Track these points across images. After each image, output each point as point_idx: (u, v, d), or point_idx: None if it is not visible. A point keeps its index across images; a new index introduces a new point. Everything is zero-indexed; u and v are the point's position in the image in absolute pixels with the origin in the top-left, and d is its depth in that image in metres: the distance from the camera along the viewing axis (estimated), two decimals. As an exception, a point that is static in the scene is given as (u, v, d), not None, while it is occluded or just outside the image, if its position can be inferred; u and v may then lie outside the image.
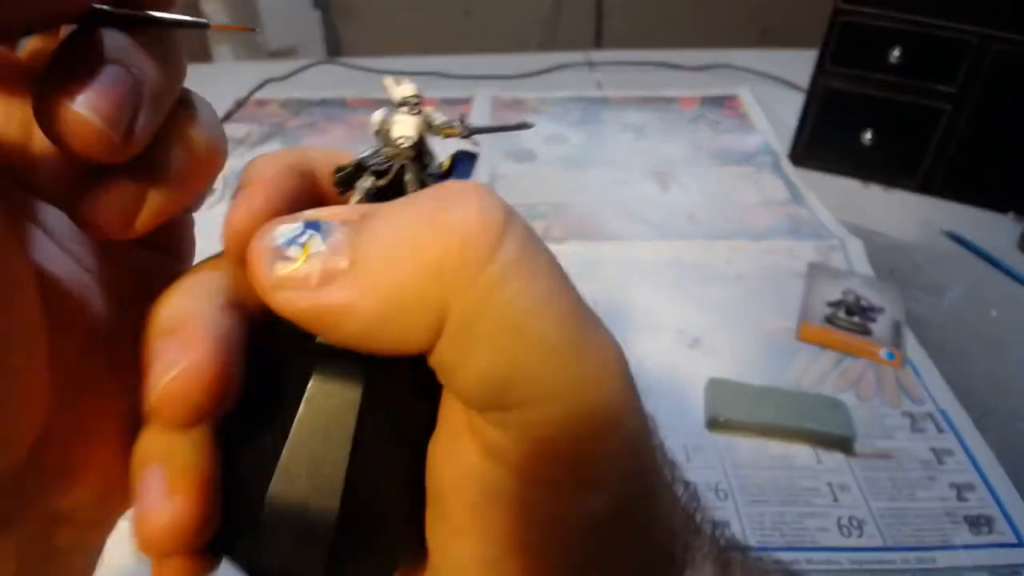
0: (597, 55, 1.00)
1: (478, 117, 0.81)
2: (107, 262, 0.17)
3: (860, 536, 0.39)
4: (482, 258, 0.14)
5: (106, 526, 0.18)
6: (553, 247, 0.16)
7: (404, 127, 0.18)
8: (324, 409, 0.16)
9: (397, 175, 0.18)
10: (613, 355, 0.15)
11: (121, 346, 0.16)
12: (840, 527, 0.40)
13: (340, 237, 0.14)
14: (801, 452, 0.44)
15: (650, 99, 0.88)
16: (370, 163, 0.18)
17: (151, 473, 0.15)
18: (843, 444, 0.44)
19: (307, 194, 0.18)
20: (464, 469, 0.16)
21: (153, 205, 0.16)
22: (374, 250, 0.14)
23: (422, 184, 0.18)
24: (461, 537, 0.16)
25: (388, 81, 0.19)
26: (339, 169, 0.18)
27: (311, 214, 0.15)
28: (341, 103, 0.88)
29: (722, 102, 0.87)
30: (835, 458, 0.44)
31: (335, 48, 1.92)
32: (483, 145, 0.20)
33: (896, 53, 0.65)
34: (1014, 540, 0.39)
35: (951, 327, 0.54)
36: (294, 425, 0.16)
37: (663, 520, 0.18)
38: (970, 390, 0.48)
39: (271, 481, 0.16)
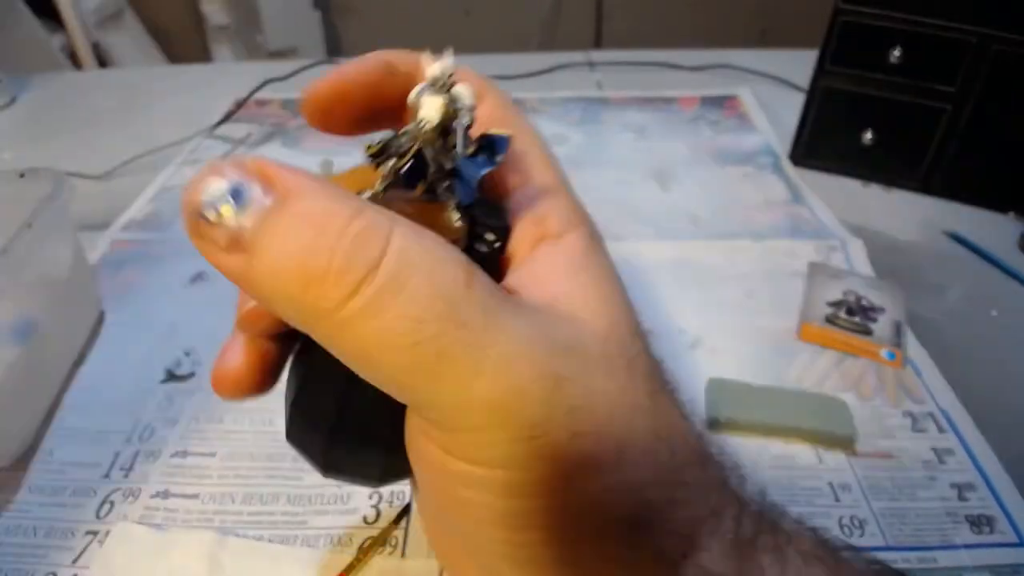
0: (597, 55, 1.00)
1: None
2: None
3: (861, 536, 0.39)
4: (329, 307, 0.16)
5: None
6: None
7: (428, 109, 0.18)
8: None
9: (417, 157, 0.18)
10: (513, 367, 0.17)
11: None
12: (841, 527, 0.40)
13: (250, 213, 0.16)
14: (802, 452, 0.44)
15: (650, 99, 0.88)
16: (394, 145, 0.19)
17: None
18: (844, 444, 0.44)
19: (395, 89, 0.21)
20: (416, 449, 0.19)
21: None
22: (268, 245, 0.16)
23: (440, 168, 0.19)
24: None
25: (425, 56, 0.19)
26: (369, 147, 0.19)
27: (240, 170, 0.16)
28: (341, 103, 0.88)
29: (722, 102, 0.87)
30: (836, 458, 0.44)
31: (335, 48, 1.92)
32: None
33: (896, 53, 0.65)
34: (1015, 540, 0.39)
35: (952, 327, 0.54)
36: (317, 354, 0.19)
37: (629, 492, 0.18)
38: (971, 390, 0.48)
39: (302, 383, 0.22)
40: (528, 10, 1.82)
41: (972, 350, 0.52)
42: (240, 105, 0.84)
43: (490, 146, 0.20)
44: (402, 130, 0.19)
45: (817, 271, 0.58)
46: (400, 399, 0.17)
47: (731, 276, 0.58)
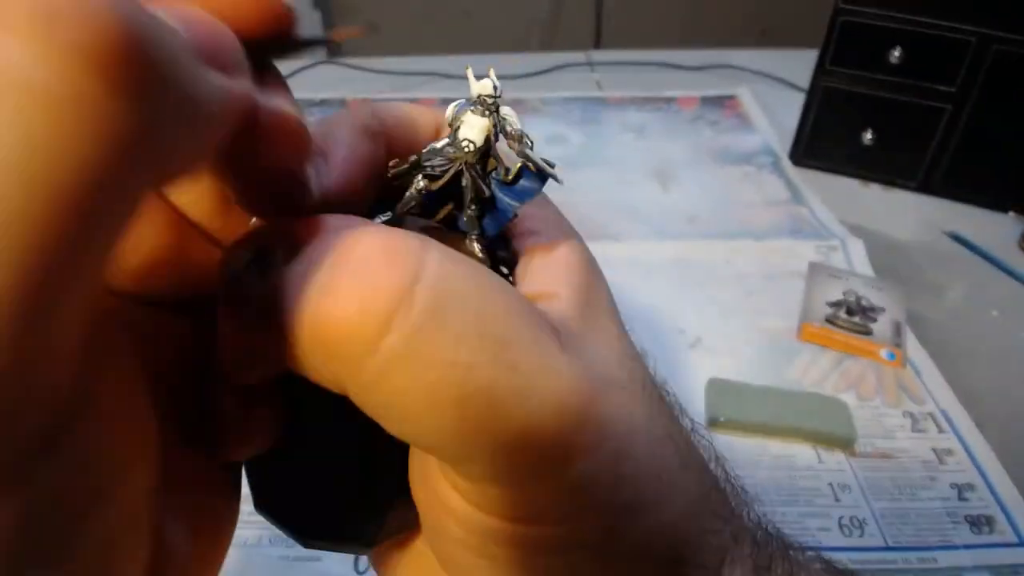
0: (597, 55, 1.00)
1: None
2: None
3: (861, 536, 0.39)
4: (359, 353, 0.13)
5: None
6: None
7: (471, 130, 0.17)
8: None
9: (453, 179, 0.17)
10: (550, 396, 0.14)
11: None
12: (841, 527, 0.40)
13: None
14: (802, 452, 0.44)
15: (650, 99, 0.88)
16: (426, 163, 0.17)
17: None
18: (844, 444, 0.44)
19: (377, 160, 0.18)
20: (427, 495, 0.17)
21: None
22: (287, 310, 0.14)
23: (478, 192, 0.17)
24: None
25: (469, 71, 0.17)
26: (396, 164, 0.17)
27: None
28: (341, 103, 0.88)
29: (722, 102, 0.87)
30: (836, 458, 0.44)
31: (335, 48, 1.92)
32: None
33: (896, 53, 0.65)
34: (1015, 540, 0.39)
35: (952, 327, 0.54)
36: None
37: (666, 531, 0.17)
38: (971, 390, 0.48)
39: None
40: (528, 10, 1.82)
41: (972, 350, 0.52)
42: (240, 105, 0.84)
43: (529, 175, 0.18)
44: (429, 147, 0.17)
45: (817, 271, 0.58)
46: (434, 455, 0.15)
47: (731, 276, 0.58)
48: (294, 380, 0.15)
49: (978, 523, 0.40)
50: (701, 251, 0.61)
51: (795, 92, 0.82)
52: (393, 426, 0.14)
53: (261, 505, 0.19)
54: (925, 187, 0.69)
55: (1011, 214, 0.66)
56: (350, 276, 0.13)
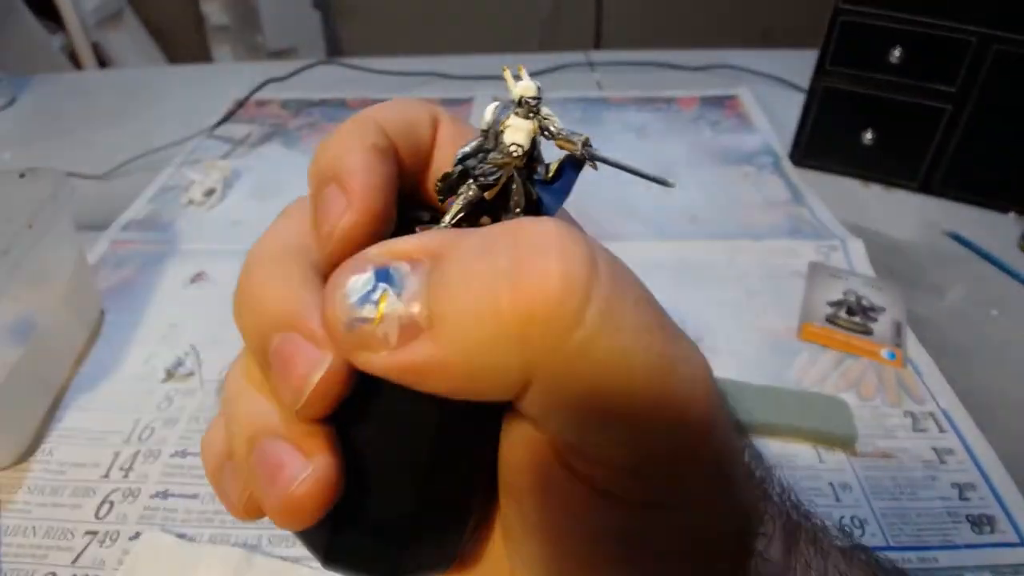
0: (597, 55, 1.00)
1: (478, 117, 0.81)
2: None
3: (862, 536, 0.39)
4: (566, 326, 0.13)
5: None
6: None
7: (518, 133, 0.16)
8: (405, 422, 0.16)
9: (504, 185, 0.17)
10: (700, 372, 0.15)
11: None
12: (842, 527, 0.40)
13: (414, 290, 0.13)
14: (802, 452, 0.44)
15: (650, 99, 0.88)
16: (476, 171, 0.17)
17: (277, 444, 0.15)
18: (845, 444, 0.44)
19: (395, 177, 0.17)
20: (545, 484, 0.16)
21: None
22: (452, 308, 0.13)
23: (528, 196, 0.17)
24: (533, 548, 0.16)
25: (507, 73, 0.17)
26: (445, 177, 0.17)
27: (379, 257, 0.14)
28: (341, 103, 0.88)
29: (722, 102, 0.87)
30: (837, 458, 0.44)
31: (335, 48, 1.92)
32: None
33: (896, 53, 0.65)
34: (1016, 540, 0.39)
35: (952, 327, 0.54)
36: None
37: (739, 507, 0.17)
38: (972, 390, 0.48)
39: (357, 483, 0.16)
40: (528, 10, 1.82)
41: (972, 350, 0.52)
42: (240, 105, 0.84)
43: (569, 170, 0.18)
44: (474, 149, 0.17)
45: (817, 271, 0.58)
46: (617, 434, 0.14)
47: (731, 276, 0.58)
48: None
49: (979, 523, 0.40)
50: (701, 251, 0.61)
51: (795, 92, 0.82)
52: (597, 399, 0.14)
53: (338, 554, 0.17)
54: (925, 187, 0.69)
55: (1011, 214, 0.66)
56: (543, 255, 0.13)
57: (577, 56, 0.98)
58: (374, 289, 0.14)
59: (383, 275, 0.14)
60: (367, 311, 0.14)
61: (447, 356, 0.13)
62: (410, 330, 0.13)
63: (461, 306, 0.13)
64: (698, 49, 0.97)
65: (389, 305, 0.13)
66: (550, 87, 0.90)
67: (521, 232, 0.14)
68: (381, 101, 0.18)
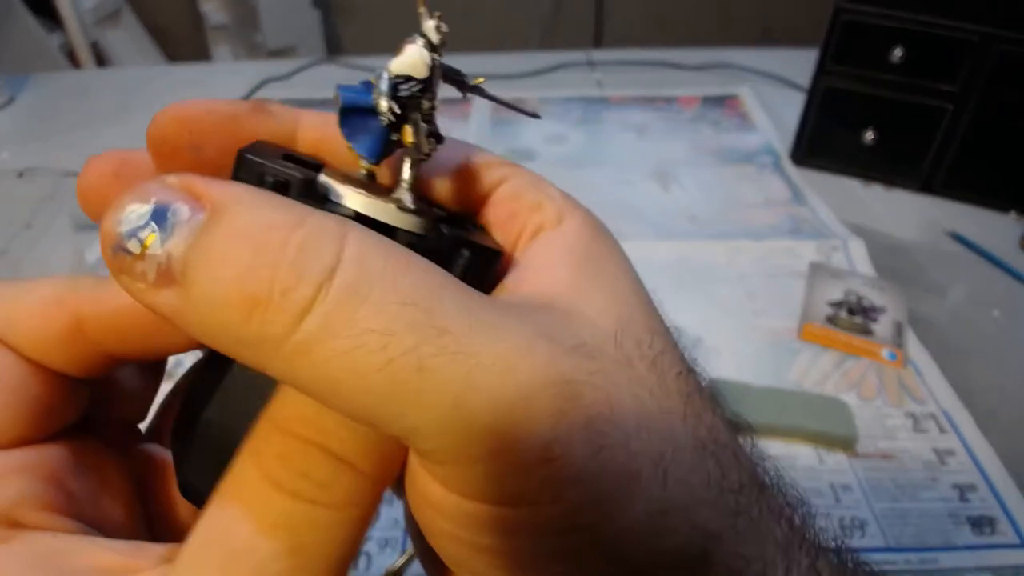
0: (597, 55, 1.00)
1: (478, 117, 0.81)
2: None
3: (862, 537, 0.39)
4: (289, 319, 0.13)
5: None
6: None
7: (414, 55, 0.17)
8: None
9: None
10: (474, 382, 0.14)
11: None
12: (842, 527, 0.40)
13: (177, 241, 0.13)
14: (803, 452, 0.44)
15: (651, 98, 0.88)
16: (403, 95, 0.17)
17: None
18: (845, 444, 0.44)
19: (263, 130, 0.19)
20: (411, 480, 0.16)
21: None
22: (205, 270, 0.13)
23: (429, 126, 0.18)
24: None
25: (422, 12, 0.18)
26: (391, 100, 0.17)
27: (163, 191, 0.14)
28: (341, 103, 0.88)
29: (723, 101, 0.87)
30: (837, 458, 0.44)
31: (335, 47, 1.92)
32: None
33: (897, 52, 0.65)
34: (1017, 541, 0.39)
35: (953, 327, 0.54)
36: (228, 375, 0.17)
37: (678, 515, 0.15)
38: (972, 390, 0.48)
39: (205, 412, 0.18)
40: (528, 10, 1.82)
41: (974, 350, 0.52)
42: (240, 104, 0.84)
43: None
44: (379, 77, 0.17)
45: (818, 271, 0.58)
46: (386, 432, 0.14)
47: (731, 276, 0.58)
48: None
49: (980, 524, 0.40)
50: (701, 251, 0.61)
51: (796, 91, 0.82)
52: (329, 402, 0.14)
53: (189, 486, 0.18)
54: (927, 187, 0.69)
55: (1013, 214, 0.66)
56: (270, 266, 0.13)
57: (577, 55, 0.98)
58: (144, 226, 0.14)
59: (159, 214, 0.14)
60: (132, 245, 0.14)
61: (192, 312, 0.14)
62: (166, 277, 0.13)
63: (209, 275, 0.13)
64: (699, 48, 0.97)
65: (152, 248, 0.14)
66: (550, 86, 0.90)
67: (265, 233, 0.14)
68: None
